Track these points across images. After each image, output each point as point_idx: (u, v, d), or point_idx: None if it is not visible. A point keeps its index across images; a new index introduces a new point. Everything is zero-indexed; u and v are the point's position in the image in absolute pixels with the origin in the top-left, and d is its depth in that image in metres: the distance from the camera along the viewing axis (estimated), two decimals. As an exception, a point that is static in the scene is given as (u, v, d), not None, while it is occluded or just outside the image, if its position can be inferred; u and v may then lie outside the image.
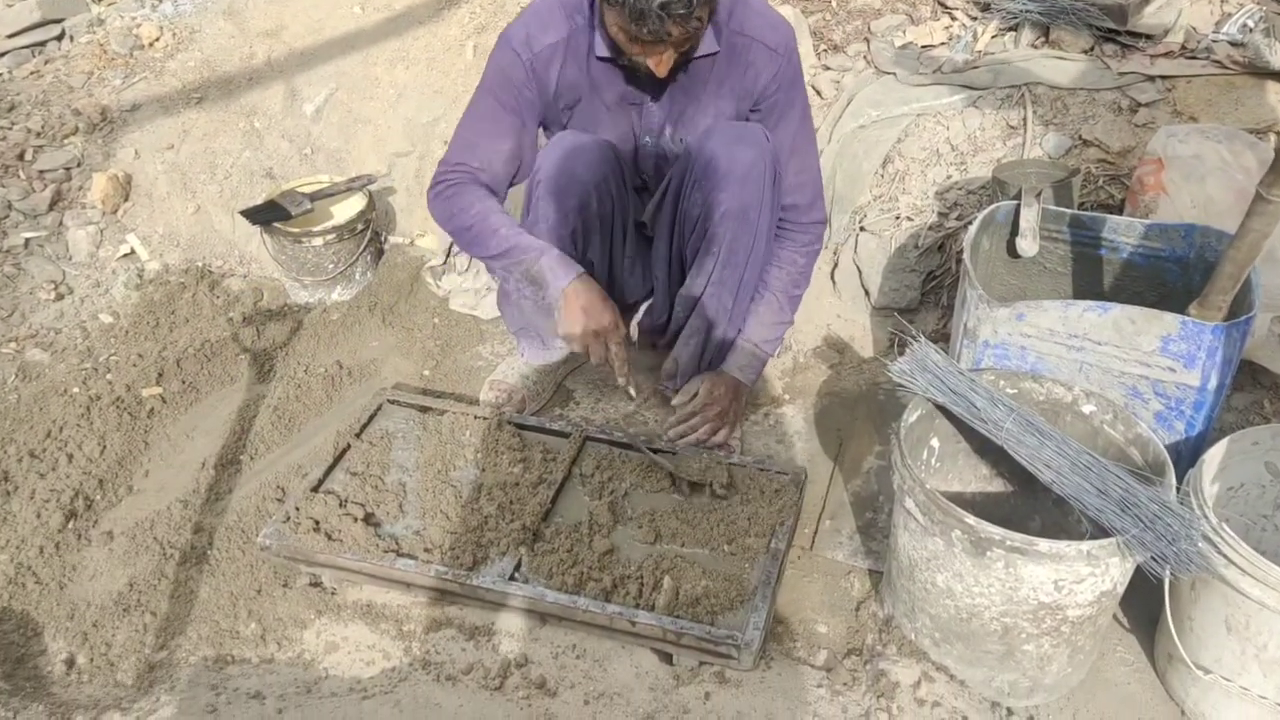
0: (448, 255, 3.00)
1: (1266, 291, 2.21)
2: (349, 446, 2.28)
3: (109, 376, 2.58)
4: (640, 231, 2.45)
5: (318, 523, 2.06)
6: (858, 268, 2.76)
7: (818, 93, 3.06)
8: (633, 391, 2.32)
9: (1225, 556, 1.62)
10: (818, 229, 2.33)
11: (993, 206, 2.19)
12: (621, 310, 2.61)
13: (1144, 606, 1.94)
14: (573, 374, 2.66)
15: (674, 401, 2.35)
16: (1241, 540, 1.60)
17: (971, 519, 1.65)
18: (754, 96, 2.15)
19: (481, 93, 2.18)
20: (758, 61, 2.11)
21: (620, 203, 2.30)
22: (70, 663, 1.93)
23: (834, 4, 3.28)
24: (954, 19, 3.13)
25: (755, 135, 2.13)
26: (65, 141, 3.14)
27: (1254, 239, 1.64)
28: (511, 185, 2.27)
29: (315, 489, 2.16)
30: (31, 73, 3.42)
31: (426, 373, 2.68)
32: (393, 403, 2.42)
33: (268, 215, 2.77)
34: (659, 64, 1.95)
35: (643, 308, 2.59)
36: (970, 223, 2.21)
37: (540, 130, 2.28)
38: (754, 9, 2.11)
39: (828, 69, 3.11)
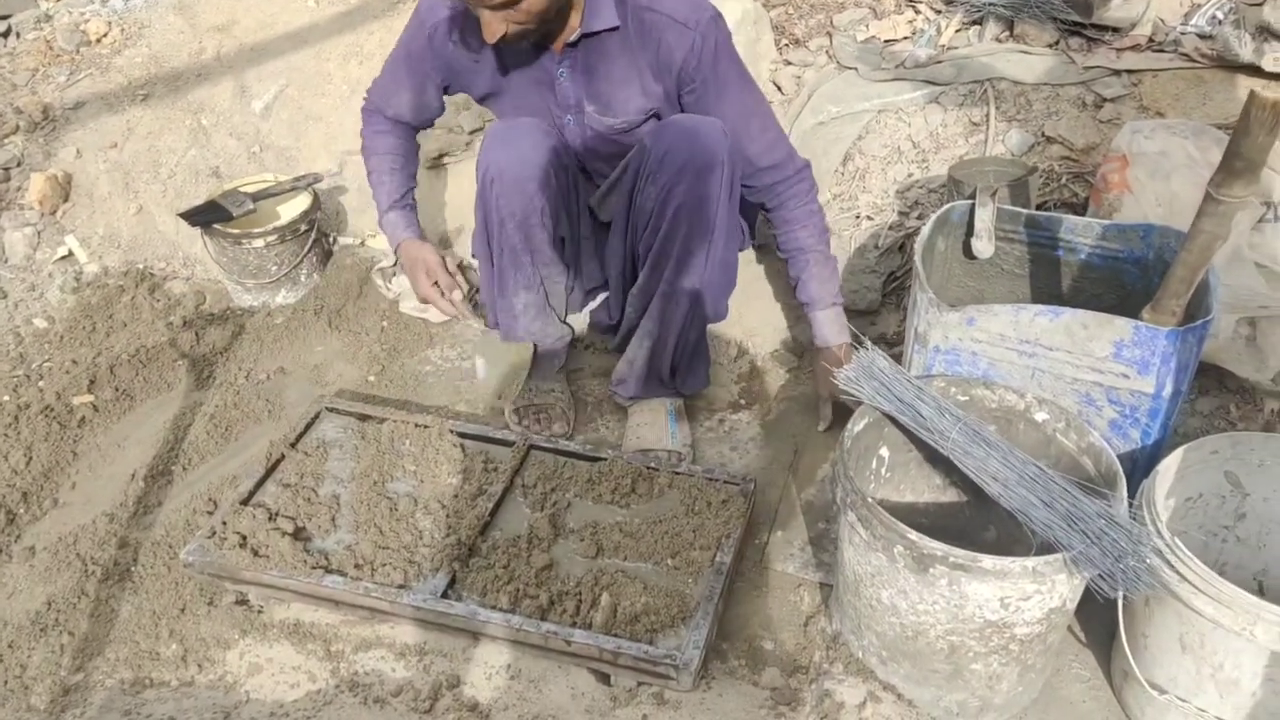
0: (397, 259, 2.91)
1: (1232, 292, 2.14)
2: (283, 457, 2.19)
3: (41, 384, 2.49)
4: (592, 216, 2.37)
5: (245, 538, 1.97)
6: (817, 268, 2.68)
7: (778, 88, 2.99)
8: (478, 325, 2.55)
9: (1178, 573, 1.55)
10: (806, 172, 2.25)
11: (947, 206, 2.11)
12: (581, 297, 2.51)
13: (1102, 620, 1.87)
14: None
15: (824, 420, 2.35)
16: (1195, 556, 1.54)
17: (913, 534, 1.57)
18: (675, 74, 2.07)
19: (399, 42, 2.27)
20: (669, 37, 2.03)
21: (571, 178, 2.24)
22: (-18, 686, 1.85)
23: (797, -3, 3.21)
24: (918, 13, 3.06)
25: (714, 129, 2.05)
26: (5, 141, 3.04)
27: (1205, 241, 1.56)
28: (425, 123, 2.43)
29: (244, 502, 2.07)
30: (-27, 70, 3.33)
31: (372, 378, 2.60)
32: (332, 410, 2.34)
33: (208, 216, 2.68)
34: (485, 27, 1.91)
35: (597, 299, 2.50)
36: (915, 228, 2.14)
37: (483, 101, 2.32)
38: None
39: (789, 64, 3.03)
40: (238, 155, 3.16)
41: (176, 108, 3.23)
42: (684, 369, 2.34)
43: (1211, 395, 2.27)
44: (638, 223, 2.16)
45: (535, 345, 2.42)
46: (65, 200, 2.99)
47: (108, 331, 2.69)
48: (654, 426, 2.33)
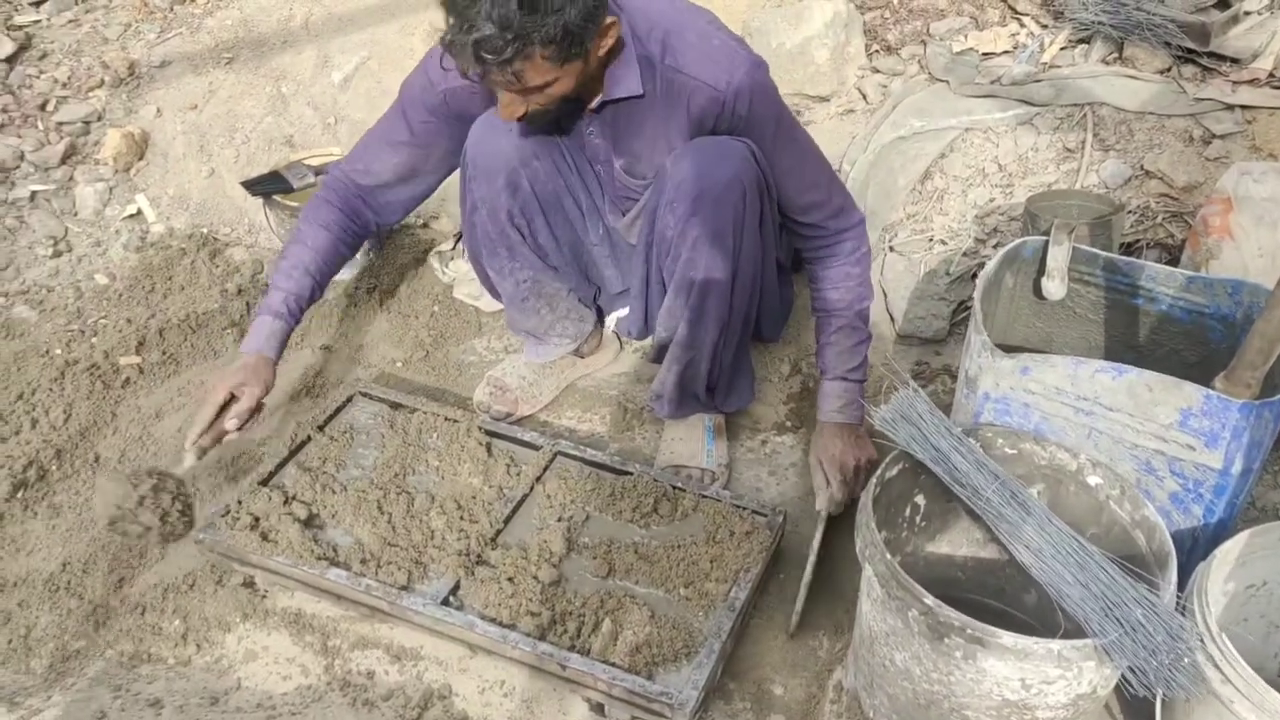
0: (457, 240, 2.87)
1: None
2: (309, 439, 2.17)
3: (93, 340, 2.51)
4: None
5: (257, 520, 1.95)
6: (883, 291, 2.55)
7: (863, 96, 2.85)
8: (188, 460, 1.93)
9: (1222, 673, 1.41)
10: (857, 231, 2.10)
11: (1018, 241, 1.97)
12: (603, 299, 2.42)
13: (1144, 702, 1.71)
14: (582, 379, 2.51)
15: (819, 490, 2.08)
16: (1241, 657, 1.39)
17: (930, 599, 1.45)
18: (710, 132, 1.94)
19: (396, 101, 2.09)
20: (698, 100, 1.90)
21: (563, 181, 2.12)
22: (-12, 642, 1.86)
23: (895, 1, 3.06)
24: (1022, 25, 2.89)
25: (734, 153, 1.91)
26: (89, 94, 3.09)
27: (1286, 314, 1.40)
28: (417, 201, 2.23)
29: (264, 482, 2.05)
30: (70, 20, 3.38)
31: (413, 362, 2.55)
32: (364, 395, 2.30)
33: (269, 186, 2.67)
34: (504, 108, 1.77)
35: (623, 310, 2.40)
36: (991, 257, 1.99)
37: None
38: (692, 41, 1.88)
39: (877, 71, 2.89)
40: (313, 125, 3.15)
41: (259, 73, 3.24)
42: (723, 389, 2.23)
43: (1302, 467, 2.09)
44: (660, 248, 2.05)
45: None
46: (140, 158, 3.02)
47: (165, 293, 2.70)
48: (689, 442, 2.24)
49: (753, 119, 1.92)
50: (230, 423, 1.94)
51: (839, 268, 2.08)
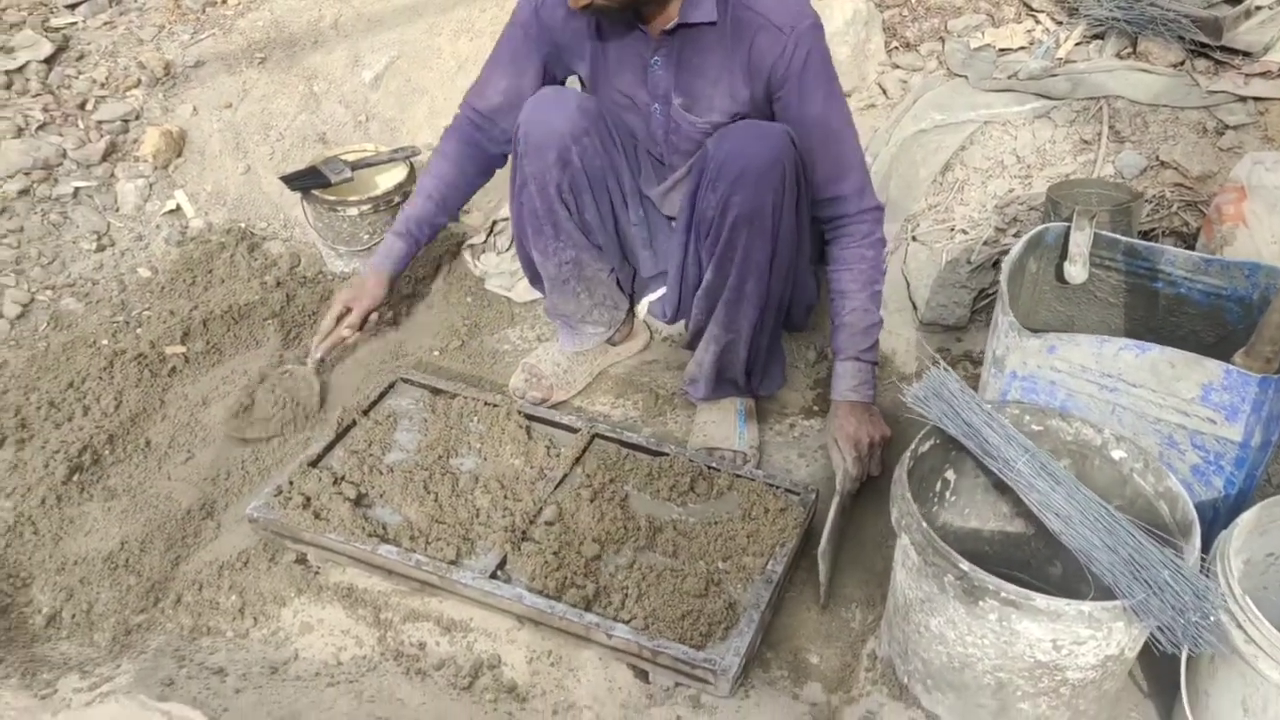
0: (489, 234, 2.94)
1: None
2: (354, 423, 2.24)
3: (138, 331, 2.59)
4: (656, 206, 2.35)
5: (308, 499, 2.02)
6: (906, 279, 2.62)
7: (883, 91, 2.92)
8: (310, 362, 2.41)
9: (1245, 633, 1.48)
10: (874, 214, 2.15)
11: (1041, 227, 2.04)
12: (636, 284, 2.49)
13: (1167, 671, 1.78)
14: (614, 365, 2.58)
15: (837, 467, 2.15)
16: (1263, 617, 1.46)
17: (965, 565, 1.53)
18: (764, 78, 2.02)
19: (502, 33, 2.24)
20: (761, 40, 1.98)
21: (609, 160, 2.20)
22: (52, 617, 1.93)
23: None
24: (1038, 22, 2.96)
25: (774, 135, 1.99)
26: (127, 94, 3.16)
27: (1305, 288, 1.47)
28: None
29: (313, 464, 2.12)
30: (105, 23, 3.45)
31: (450, 351, 2.63)
32: (406, 381, 2.38)
33: (307, 181, 2.74)
34: None
35: (657, 292, 2.47)
36: (1012, 246, 2.06)
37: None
38: None
39: (896, 67, 2.96)
40: (345, 123, 3.23)
41: (291, 73, 3.31)
42: (758, 372, 2.30)
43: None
44: (699, 228, 2.11)
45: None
46: (178, 155, 3.10)
47: (206, 286, 2.78)
48: (722, 425, 2.31)
49: (807, 74, 2.00)
50: (344, 332, 2.32)
51: (854, 249, 2.14)
